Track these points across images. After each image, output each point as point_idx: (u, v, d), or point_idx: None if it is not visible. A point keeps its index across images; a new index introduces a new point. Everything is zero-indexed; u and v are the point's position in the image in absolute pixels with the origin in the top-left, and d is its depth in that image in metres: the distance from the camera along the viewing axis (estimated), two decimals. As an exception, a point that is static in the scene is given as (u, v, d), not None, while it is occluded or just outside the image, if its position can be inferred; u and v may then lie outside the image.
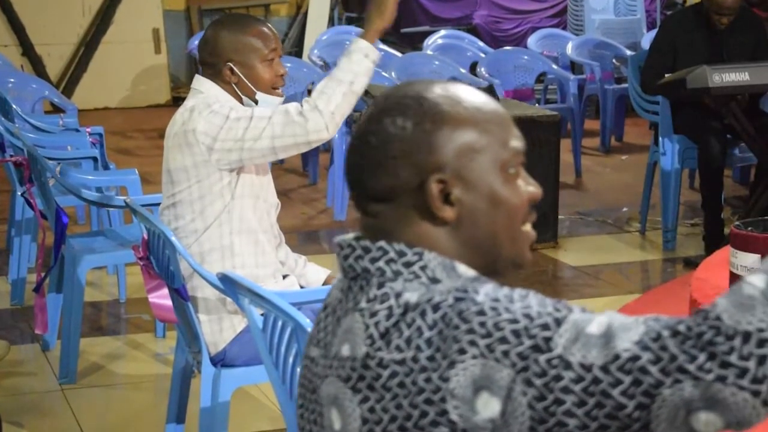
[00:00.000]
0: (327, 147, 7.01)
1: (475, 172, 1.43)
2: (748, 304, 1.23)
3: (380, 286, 1.41)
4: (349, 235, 1.48)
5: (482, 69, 7.98)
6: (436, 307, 1.35)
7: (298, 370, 2.14)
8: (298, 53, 10.87)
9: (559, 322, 1.31)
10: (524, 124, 5.77)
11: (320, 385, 1.44)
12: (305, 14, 11.30)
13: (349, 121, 5.92)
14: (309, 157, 7.63)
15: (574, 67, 8.88)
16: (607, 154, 8.54)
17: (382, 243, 1.43)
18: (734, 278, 2.93)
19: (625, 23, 10.19)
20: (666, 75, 5.67)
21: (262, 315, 2.72)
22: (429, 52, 8.55)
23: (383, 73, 7.22)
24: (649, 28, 9.96)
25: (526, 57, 8.35)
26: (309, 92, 7.65)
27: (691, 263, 5.44)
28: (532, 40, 9.07)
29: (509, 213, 1.45)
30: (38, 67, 10.48)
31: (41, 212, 4.57)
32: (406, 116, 1.43)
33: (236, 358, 3.18)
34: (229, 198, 3.18)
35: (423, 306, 1.36)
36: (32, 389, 4.29)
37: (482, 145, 1.43)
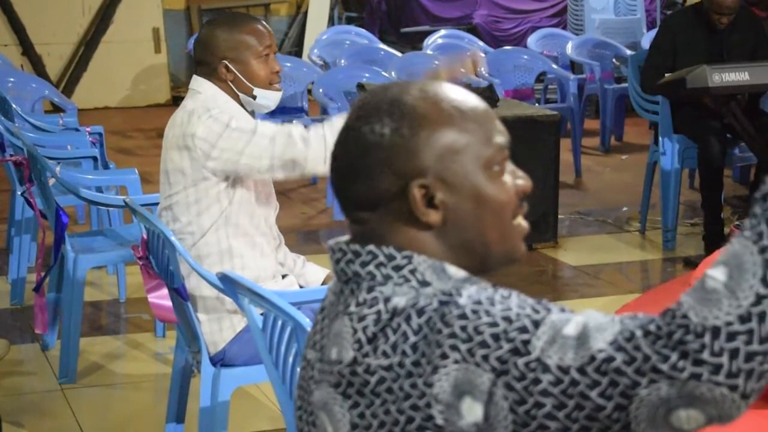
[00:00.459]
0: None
1: (458, 174, 1.41)
2: (713, 299, 1.21)
3: (370, 290, 1.40)
4: (342, 239, 1.48)
5: (482, 69, 7.97)
6: (420, 312, 1.35)
7: (298, 369, 2.13)
8: (298, 53, 10.88)
9: (537, 324, 1.29)
10: (524, 123, 5.78)
11: (314, 390, 1.44)
12: (305, 14, 11.30)
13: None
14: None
15: (574, 66, 8.88)
16: (607, 153, 8.53)
17: (371, 247, 1.42)
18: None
19: (625, 23, 10.18)
20: (666, 75, 5.67)
21: (261, 314, 2.72)
22: (429, 51, 8.55)
23: (383, 73, 7.22)
24: (649, 27, 9.96)
25: (526, 57, 8.34)
26: (309, 92, 7.66)
27: (691, 263, 5.45)
28: (532, 40, 9.06)
29: (496, 210, 1.43)
30: (38, 67, 10.47)
31: (41, 212, 4.56)
32: (383, 123, 1.41)
33: (236, 357, 3.17)
34: (226, 203, 3.18)
35: (408, 311, 1.35)
36: (32, 389, 4.29)
37: (463, 145, 1.41)
